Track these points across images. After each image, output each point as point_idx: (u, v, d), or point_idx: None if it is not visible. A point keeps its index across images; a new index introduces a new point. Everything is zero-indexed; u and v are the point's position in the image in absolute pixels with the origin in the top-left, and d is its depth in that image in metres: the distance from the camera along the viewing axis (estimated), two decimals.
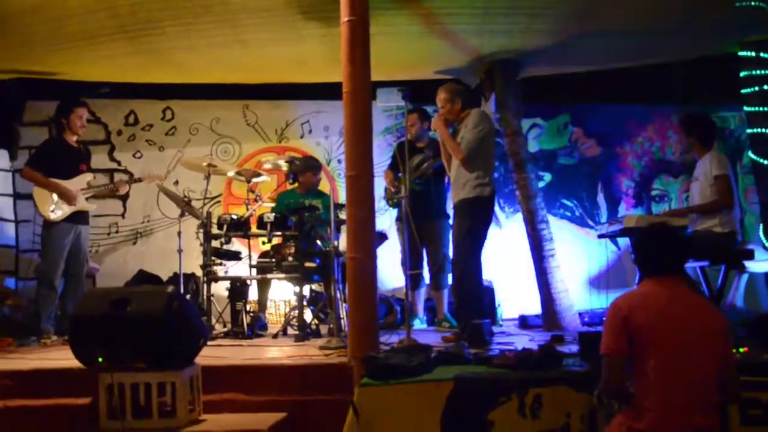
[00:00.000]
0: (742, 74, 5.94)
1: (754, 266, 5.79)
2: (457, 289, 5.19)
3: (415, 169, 5.92)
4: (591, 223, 7.68)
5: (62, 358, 4.29)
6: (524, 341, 4.87)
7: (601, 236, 5.78)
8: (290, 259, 5.51)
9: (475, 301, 5.08)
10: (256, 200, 5.84)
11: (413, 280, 5.88)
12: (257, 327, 5.72)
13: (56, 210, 5.68)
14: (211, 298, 5.56)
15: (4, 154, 7.22)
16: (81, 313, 3.76)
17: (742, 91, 5.95)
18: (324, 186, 6.93)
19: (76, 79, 6.69)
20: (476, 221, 5.10)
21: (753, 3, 5.32)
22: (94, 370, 3.63)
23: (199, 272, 5.74)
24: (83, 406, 3.81)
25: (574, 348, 4.08)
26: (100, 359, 3.58)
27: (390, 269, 6.69)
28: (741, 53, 5.94)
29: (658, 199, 7.79)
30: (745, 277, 6.13)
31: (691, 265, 5.14)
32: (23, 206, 7.16)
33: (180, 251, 5.76)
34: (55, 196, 5.69)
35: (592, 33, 5.67)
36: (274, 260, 5.64)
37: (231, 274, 5.88)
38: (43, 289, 5.68)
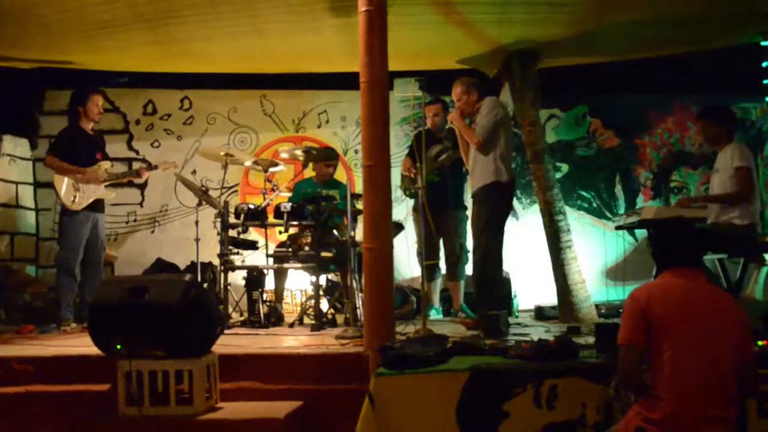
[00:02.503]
0: (764, 64, 5.87)
1: None
2: (477, 278, 5.17)
3: (433, 159, 5.90)
4: (608, 214, 7.64)
5: (82, 345, 4.34)
6: (540, 332, 4.87)
7: (618, 228, 5.74)
8: (307, 248, 5.53)
9: (493, 290, 5.07)
10: (273, 190, 5.84)
11: (429, 270, 5.89)
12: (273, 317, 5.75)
13: (77, 199, 5.73)
14: (228, 287, 5.59)
15: (24, 143, 7.29)
16: (99, 301, 3.79)
17: (764, 81, 5.88)
18: (341, 176, 6.94)
19: (95, 68, 6.74)
20: (494, 208, 5.09)
21: None
22: (113, 357, 3.67)
23: (216, 261, 5.78)
24: (102, 393, 3.86)
25: (591, 339, 4.07)
26: (119, 346, 3.61)
27: (406, 259, 6.70)
28: (763, 43, 5.87)
29: (676, 191, 7.74)
30: (764, 270, 6.07)
31: (710, 258, 5.10)
32: (43, 194, 7.25)
33: (197, 240, 5.80)
34: (75, 185, 5.74)
35: (612, 23, 5.62)
36: (290, 250, 5.66)
37: (248, 263, 5.91)
38: (63, 277, 5.73)
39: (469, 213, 5.71)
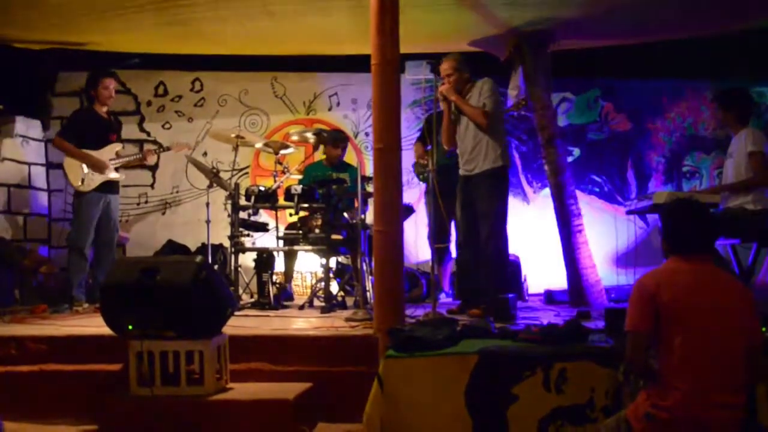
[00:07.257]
0: None
1: None
2: (491, 262, 5.10)
3: None
4: (620, 198, 7.61)
5: (94, 325, 4.39)
6: (550, 316, 4.87)
7: (629, 212, 5.72)
8: (317, 231, 5.54)
9: (506, 273, 5.07)
10: (283, 172, 5.85)
11: (439, 253, 5.88)
12: (283, 297, 5.77)
13: (86, 180, 5.76)
14: (239, 268, 5.61)
15: (36, 125, 7.31)
16: (111, 282, 3.82)
17: None
18: (351, 158, 6.93)
19: (107, 50, 6.74)
20: (504, 192, 5.06)
21: None
22: (125, 337, 3.70)
23: (226, 243, 5.80)
24: (114, 372, 3.90)
25: (600, 324, 4.06)
26: (130, 327, 3.64)
27: (416, 242, 6.70)
28: None
29: (689, 176, 7.69)
30: None
31: (722, 243, 5.07)
32: (56, 175, 7.27)
33: (208, 222, 5.82)
34: (84, 167, 5.77)
35: (626, 5, 5.55)
36: (300, 232, 5.67)
37: (258, 245, 5.92)
38: (74, 257, 5.78)
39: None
